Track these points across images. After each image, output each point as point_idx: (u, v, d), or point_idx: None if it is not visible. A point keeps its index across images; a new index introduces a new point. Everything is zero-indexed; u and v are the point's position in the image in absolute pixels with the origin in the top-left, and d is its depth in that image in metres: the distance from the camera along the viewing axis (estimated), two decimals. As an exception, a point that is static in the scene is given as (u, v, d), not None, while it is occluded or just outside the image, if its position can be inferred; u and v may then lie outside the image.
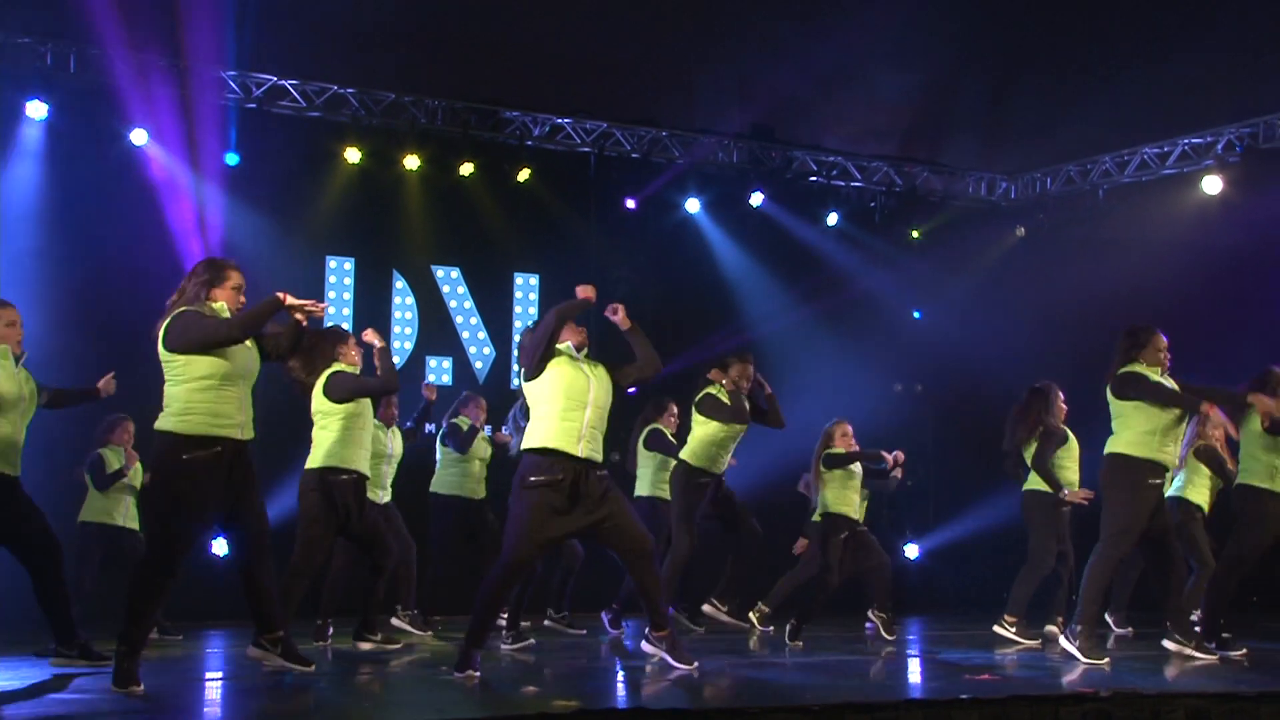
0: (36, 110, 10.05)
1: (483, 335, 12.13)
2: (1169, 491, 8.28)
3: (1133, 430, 6.91)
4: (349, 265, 11.60)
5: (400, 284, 11.81)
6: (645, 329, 13.13)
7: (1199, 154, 11.89)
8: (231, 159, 10.83)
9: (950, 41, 11.35)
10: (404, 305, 11.80)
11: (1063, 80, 11.18)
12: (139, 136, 10.42)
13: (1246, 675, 6.30)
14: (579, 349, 6.05)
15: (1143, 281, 11.38)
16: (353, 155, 11.23)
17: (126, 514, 8.41)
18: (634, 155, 12.41)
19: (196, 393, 5.41)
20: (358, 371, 7.19)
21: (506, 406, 9.45)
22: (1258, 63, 10.56)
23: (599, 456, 5.86)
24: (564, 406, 5.81)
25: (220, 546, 9.78)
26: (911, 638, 8.84)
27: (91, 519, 8.30)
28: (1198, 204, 11.76)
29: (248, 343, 5.63)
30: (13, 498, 6.19)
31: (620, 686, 5.93)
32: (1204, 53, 10.61)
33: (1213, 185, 11.53)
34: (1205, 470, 8.67)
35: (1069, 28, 10.77)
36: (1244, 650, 7.07)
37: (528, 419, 6.15)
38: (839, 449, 8.37)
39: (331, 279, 11.56)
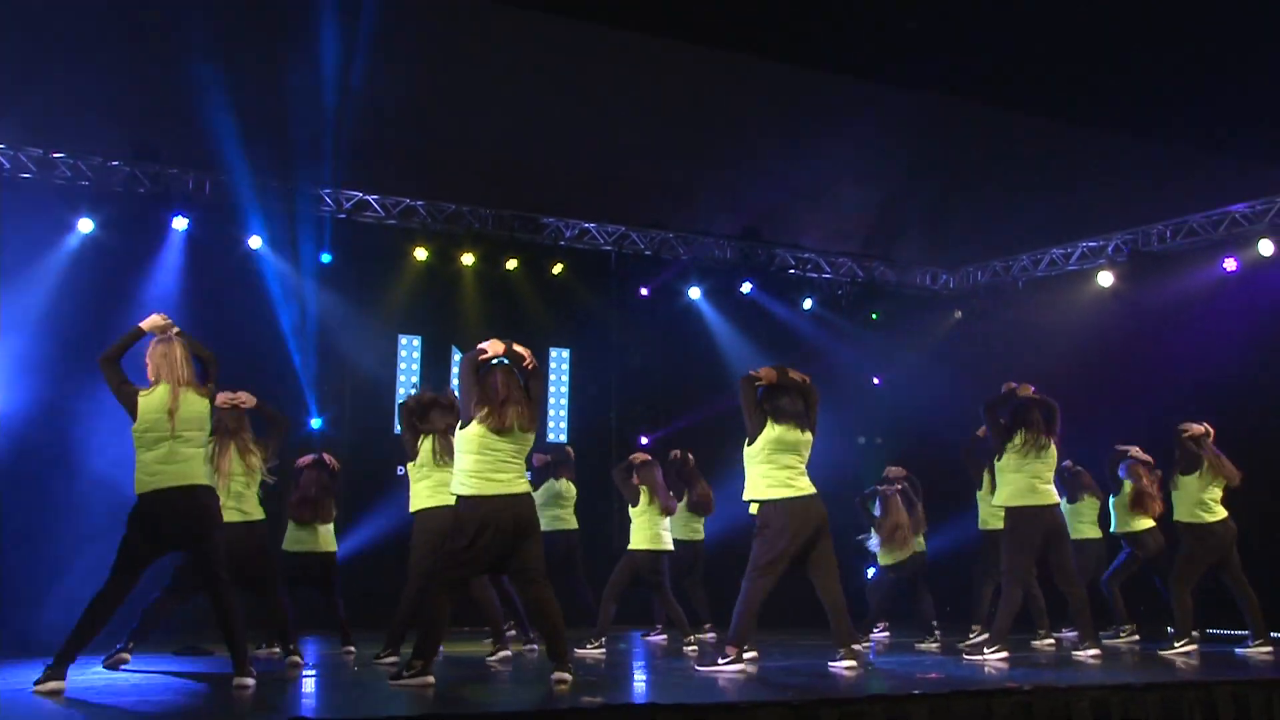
0: (179, 223, 10.29)
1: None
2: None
3: None
4: (417, 342, 11.70)
5: (458, 357, 11.70)
6: (655, 394, 13.30)
7: (1094, 255, 12.08)
8: (325, 258, 10.98)
9: (900, 162, 11.57)
10: (461, 374, 12.04)
11: (990, 194, 11.42)
12: (255, 242, 10.64)
13: (1136, 670, 6.33)
14: None
15: (1053, 354, 11.49)
16: (421, 254, 11.35)
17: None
18: (647, 252, 12.52)
19: None
20: None
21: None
22: (1138, 183, 10.88)
23: None
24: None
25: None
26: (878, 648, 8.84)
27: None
28: (1094, 294, 11.92)
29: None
30: None
31: (636, 685, 5.79)
32: (1098, 174, 10.87)
33: (1105, 279, 11.76)
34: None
35: (995, 152, 11.05)
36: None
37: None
38: None
39: (402, 353, 11.65)
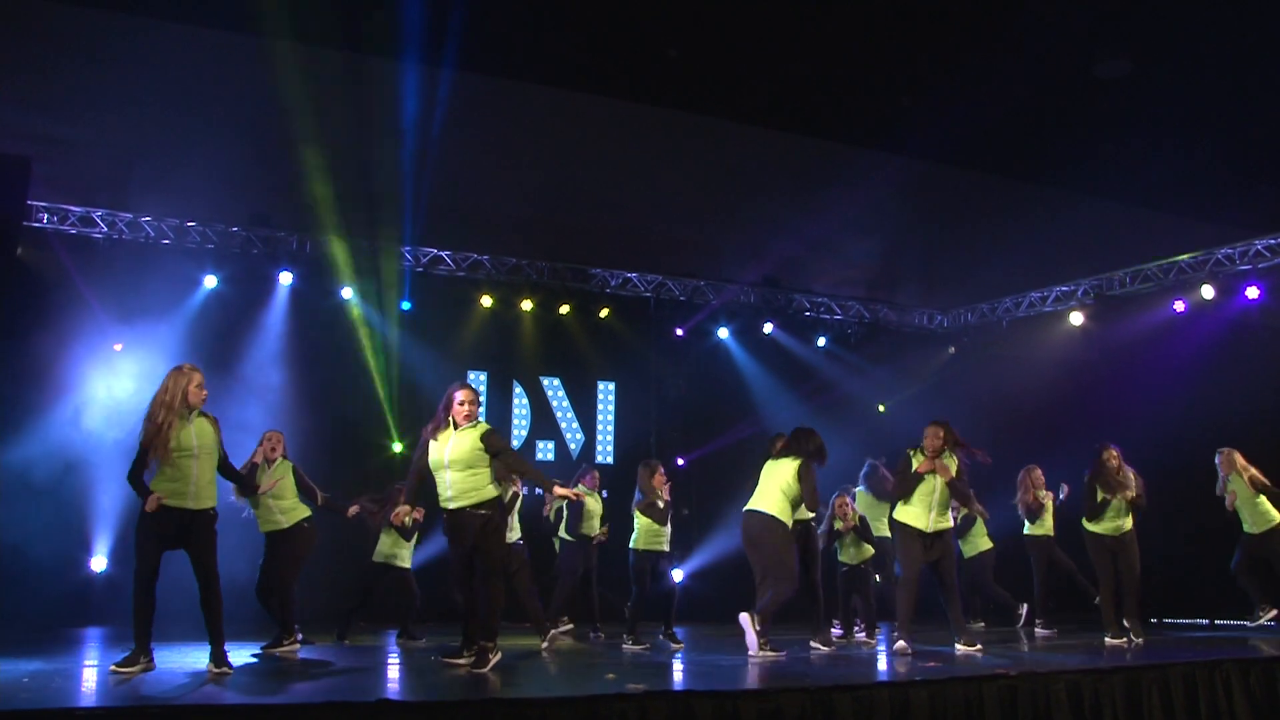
0: (285, 278, 10.58)
1: (575, 426, 12.21)
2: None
3: None
4: (483, 377, 11.81)
5: (518, 390, 11.98)
6: (689, 422, 13.28)
7: (1066, 298, 12.13)
8: (405, 306, 11.16)
9: (899, 218, 11.68)
10: (521, 405, 11.97)
11: (977, 245, 11.53)
12: (347, 293, 10.87)
13: (1103, 656, 6.25)
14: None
15: (1032, 384, 11.62)
16: (486, 301, 11.52)
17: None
18: (681, 298, 12.57)
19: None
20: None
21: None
22: (1103, 235, 11.09)
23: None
24: None
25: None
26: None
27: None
28: (1066, 332, 12.03)
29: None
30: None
31: (676, 675, 5.62)
32: (1069, 229, 11.02)
33: (1076, 319, 11.85)
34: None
35: (981, 209, 11.16)
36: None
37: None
38: None
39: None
